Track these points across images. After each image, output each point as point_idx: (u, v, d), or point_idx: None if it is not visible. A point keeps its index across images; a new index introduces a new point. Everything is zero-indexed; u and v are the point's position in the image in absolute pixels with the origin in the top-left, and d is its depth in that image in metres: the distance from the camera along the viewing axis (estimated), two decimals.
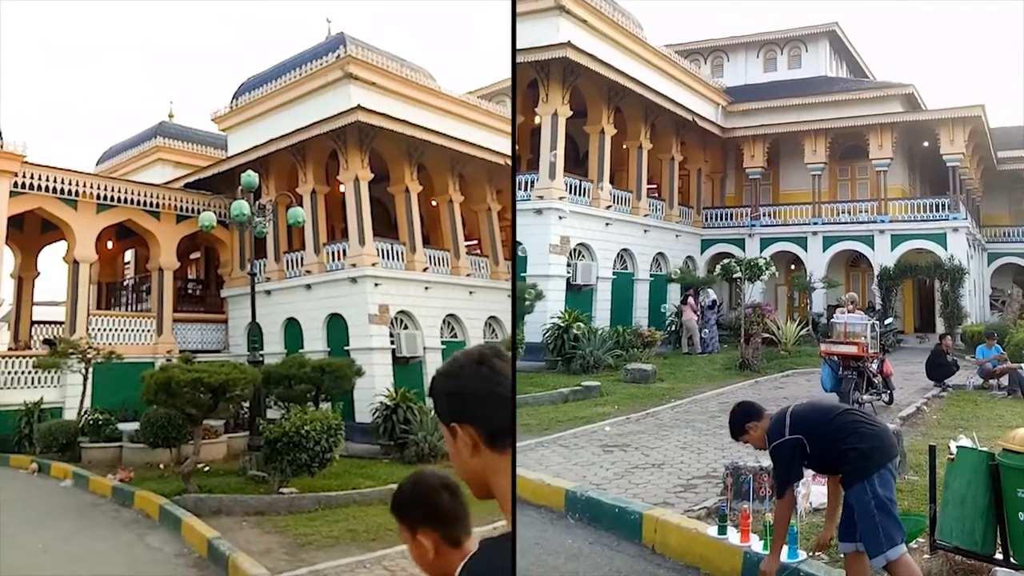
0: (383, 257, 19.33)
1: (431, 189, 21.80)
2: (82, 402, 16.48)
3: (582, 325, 18.36)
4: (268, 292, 20.33)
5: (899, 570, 4.56)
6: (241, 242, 21.61)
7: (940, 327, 23.73)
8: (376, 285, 18.75)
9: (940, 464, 6.02)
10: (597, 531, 7.12)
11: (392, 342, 18.84)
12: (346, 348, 18.50)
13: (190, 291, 24.78)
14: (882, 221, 25.68)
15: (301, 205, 18.40)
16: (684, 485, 8.10)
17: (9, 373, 18.07)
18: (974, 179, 28.87)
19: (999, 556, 5.50)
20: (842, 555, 4.98)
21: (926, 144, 27.40)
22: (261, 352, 14.76)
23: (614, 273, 22.79)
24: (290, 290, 20.50)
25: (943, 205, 25.47)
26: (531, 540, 6.89)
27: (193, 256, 25.82)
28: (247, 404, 14.36)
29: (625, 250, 23.53)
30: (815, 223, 26.54)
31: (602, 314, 21.75)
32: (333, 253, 19.80)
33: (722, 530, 6.22)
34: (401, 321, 19.47)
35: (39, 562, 8.88)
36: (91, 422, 15.77)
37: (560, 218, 20.65)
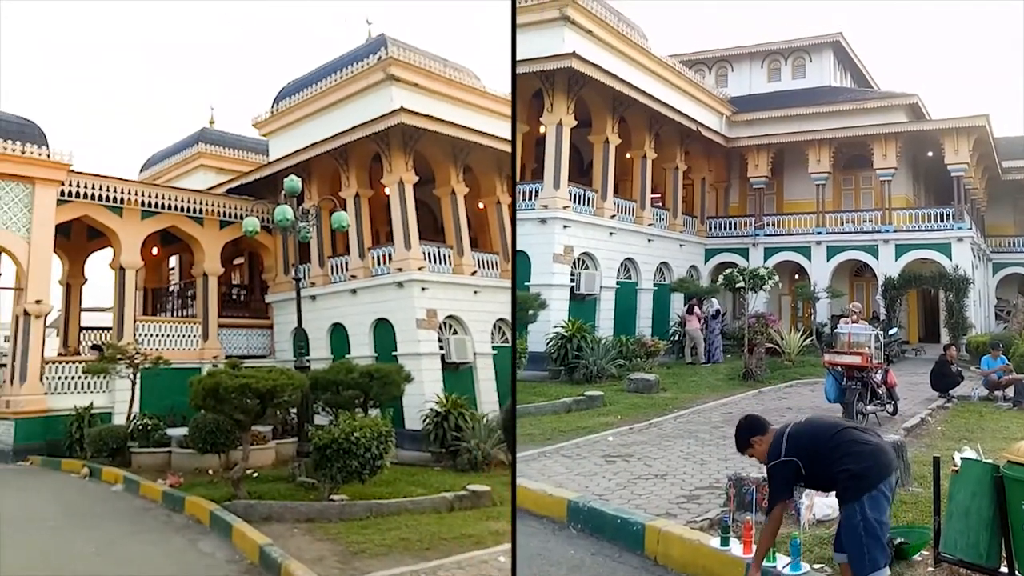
0: (430, 261, 19.04)
1: (478, 191, 21.51)
2: (131, 407, 16.61)
3: (586, 335, 18.34)
4: (313, 297, 20.13)
5: None
6: (285, 247, 21.61)
7: (945, 337, 23.67)
8: (423, 289, 18.43)
9: (944, 476, 5.99)
10: (599, 542, 7.10)
11: (441, 347, 18.49)
12: (394, 354, 18.13)
13: (234, 296, 24.83)
14: (886, 231, 25.65)
15: (345, 209, 18.17)
16: (687, 496, 8.07)
17: (59, 378, 18.28)
18: (979, 189, 28.83)
19: (1004, 569, 5.47)
20: (837, 564, 5.15)
21: (930, 154, 27.40)
22: (307, 358, 14.61)
23: (618, 283, 22.77)
24: (335, 295, 20.24)
25: (948, 215, 25.44)
26: (533, 550, 6.87)
27: (237, 261, 25.96)
28: (294, 410, 14.26)
29: (629, 259, 23.52)
30: (819, 233, 26.52)
31: (605, 324, 21.73)
32: (378, 257, 19.49)
33: (725, 541, 6.20)
34: (450, 326, 19.16)
35: (93, 565, 8.85)
36: (140, 427, 15.81)
37: (564, 227, 20.65)
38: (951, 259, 24.72)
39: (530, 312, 17.72)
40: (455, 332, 19.20)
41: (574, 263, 21.09)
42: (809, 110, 28.13)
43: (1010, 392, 14.95)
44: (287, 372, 12.20)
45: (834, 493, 7.33)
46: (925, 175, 30.34)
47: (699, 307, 22.16)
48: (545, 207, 20.56)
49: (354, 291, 19.68)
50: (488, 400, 18.66)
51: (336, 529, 9.61)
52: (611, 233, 22.47)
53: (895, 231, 25.64)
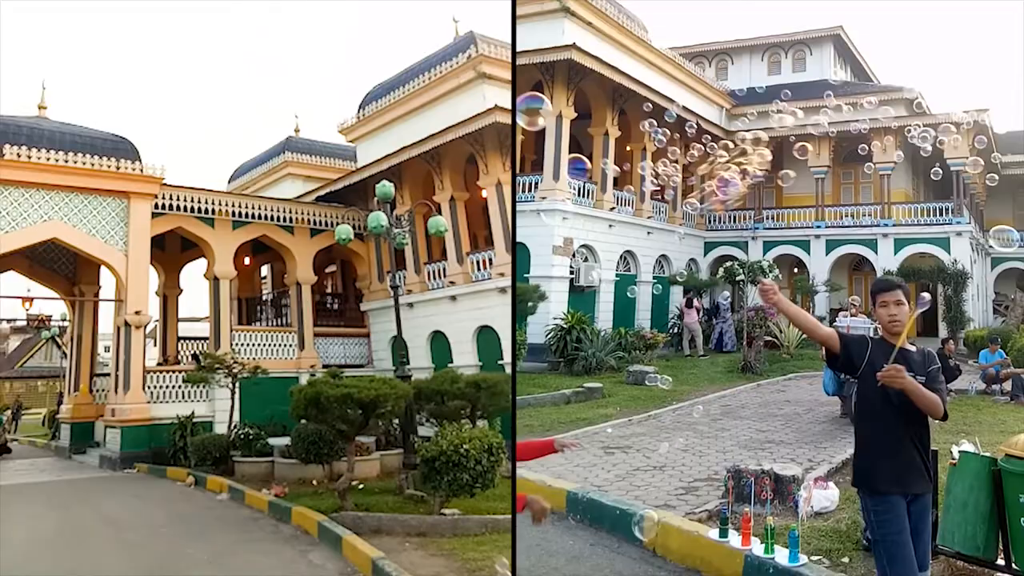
0: None
1: None
2: (231, 416, 16.57)
3: (585, 327, 18.37)
4: (411, 305, 19.58)
5: None
6: (379, 254, 21.25)
7: (943, 332, 23.73)
8: None
9: (942, 469, 6.01)
10: (598, 533, 7.13)
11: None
12: (500, 363, 17.20)
13: (328, 305, 24.68)
14: (885, 225, 25.69)
15: (440, 213, 17.77)
16: (685, 488, 8.10)
17: (161, 387, 18.46)
18: (978, 184, 28.85)
19: (1001, 561, 5.51)
20: (860, 569, 4.76)
21: (930, 148, 27.37)
22: (408, 367, 14.30)
23: (617, 275, 22.80)
24: (434, 302, 19.58)
25: (947, 209, 25.47)
26: (532, 541, 6.90)
27: (329, 270, 25.79)
28: (397, 421, 14.02)
29: (628, 252, 23.54)
30: (818, 226, 26.55)
31: (605, 316, 21.76)
32: (478, 262, 18.66)
33: (723, 533, 6.22)
34: None
35: (205, 572, 8.80)
36: (242, 436, 15.66)
37: (563, 219, 20.65)
38: (950, 253, 24.79)
39: (529, 304, 17.73)
40: None
41: (573, 255, 21.10)
42: (809, 104, 28.07)
43: (1007, 386, 15.03)
44: (390, 382, 11.86)
45: (833, 486, 7.41)
46: (924, 169, 30.33)
47: (699, 300, 22.22)
48: (544, 199, 20.56)
49: (454, 297, 18.96)
50: None
51: (450, 544, 9.17)
52: (610, 225, 22.48)
53: (894, 225, 25.69)
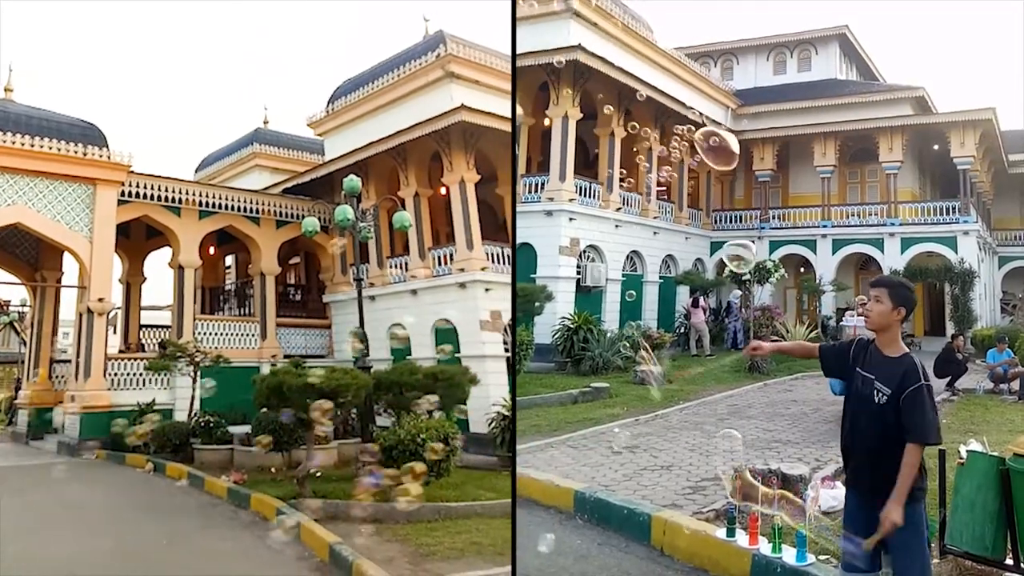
0: (493, 261, 18.81)
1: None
2: (192, 404, 16.76)
3: (592, 327, 18.37)
4: (372, 298, 19.69)
5: None
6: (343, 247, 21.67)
7: (950, 331, 23.69)
8: (487, 290, 18.15)
9: (950, 468, 6.02)
10: (606, 532, 7.14)
11: (506, 350, 18.09)
12: (457, 355, 17.65)
13: (291, 296, 24.95)
14: (892, 224, 25.64)
15: (404, 209, 17.92)
16: (693, 487, 8.11)
17: (122, 375, 18.56)
18: (985, 182, 28.80)
19: (1009, 561, 5.51)
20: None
21: (936, 147, 27.36)
22: (368, 358, 14.50)
23: (623, 275, 22.80)
24: (395, 295, 19.99)
25: (953, 208, 25.42)
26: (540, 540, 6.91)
27: (293, 261, 25.99)
28: (356, 410, 14.23)
29: (635, 252, 23.55)
30: (825, 226, 26.52)
31: (611, 316, 21.77)
32: (439, 258, 19.23)
33: (731, 532, 6.24)
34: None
35: (165, 555, 8.98)
36: (202, 424, 15.86)
37: (570, 220, 20.67)
38: (957, 252, 24.72)
39: (536, 304, 17.74)
40: None
41: (580, 255, 21.12)
42: (815, 103, 28.09)
43: (1015, 385, 15.00)
44: (351, 372, 12.11)
45: (842, 484, 7.40)
46: (931, 168, 30.29)
47: (705, 299, 22.23)
48: (551, 199, 20.59)
49: (414, 291, 19.43)
50: None
51: (404, 531, 9.48)
52: (617, 225, 22.49)
53: (901, 224, 25.64)
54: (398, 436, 10.77)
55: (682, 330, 22.94)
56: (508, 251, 19.31)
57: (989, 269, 29.44)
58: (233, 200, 20.99)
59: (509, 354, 17.97)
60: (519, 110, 17.18)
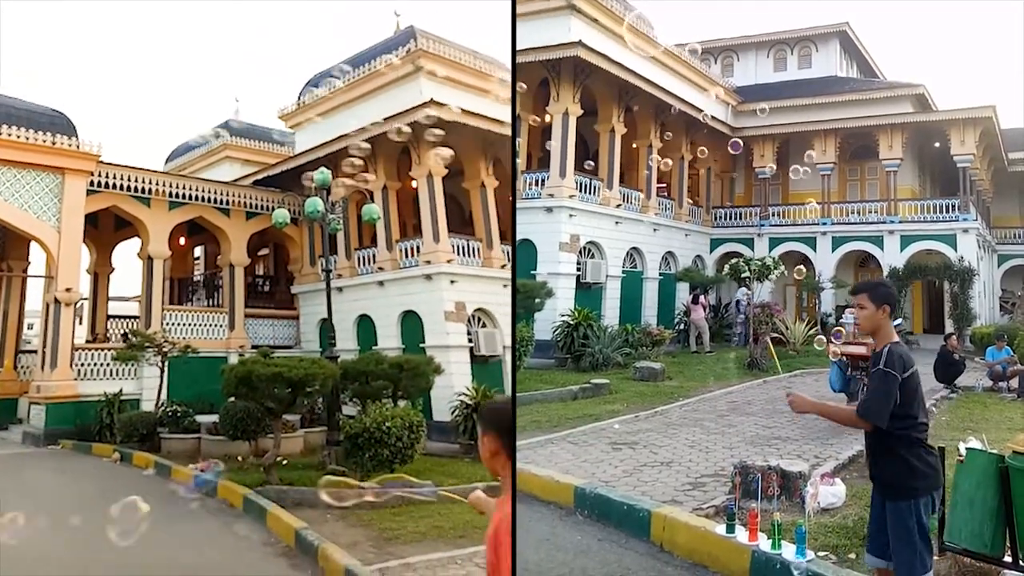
0: (459, 254, 19.09)
1: (507, 184, 21.30)
2: (159, 394, 16.84)
3: (592, 324, 18.40)
4: (340, 289, 19.98)
5: None
6: (311, 239, 21.71)
7: (949, 328, 23.70)
8: (452, 282, 18.48)
9: (949, 466, 6.04)
10: (606, 528, 7.17)
11: (470, 340, 18.54)
12: (422, 345, 18.15)
13: (260, 287, 25.03)
14: (891, 222, 25.65)
15: (372, 201, 18.25)
16: (692, 483, 8.14)
17: (89, 365, 18.55)
18: (984, 180, 28.79)
19: (1008, 558, 5.53)
20: (870, 569, 4.71)
21: (937, 145, 27.35)
22: (336, 348, 14.68)
23: (623, 271, 22.82)
24: (362, 287, 20.30)
25: (953, 206, 25.42)
26: (541, 536, 6.94)
27: (262, 253, 26.10)
28: (322, 399, 14.43)
29: (635, 249, 23.57)
30: (824, 223, 26.51)
31: (611, 312, 21.80)
32: (406, 250, 19.54)
33: (730, 529, 6.26)
34: (479, 319, 19.21)
35: (130, 543, 8.98)
36: (170, 413, 16.05)
37: (570, 216, 20.69)
38: (956, 250, 24.72)
39: (536, 300, 17.78)
40: (484, 325, 19.25)
41: (580, 252, 21.14)
42: (815, 100, 28.07)
43: (1014, 383, 15.01)
44: (318, 362, 12.35)
45: (840, 483, 7.44)
46: (931, 166, 30.28)
47: (705, 296, 22.25)
48: (551, 196, 20.61)
49: (382, 283, 19.73)
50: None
51: (369, 516, 9.71)
52: (617, 222, 22.51)
53: (900, 222, 25.63)
54: (363, 424, 10.95)
55: (682, 327, 22.97)
56: (473, 243, 19.70)
57: (988, 267, 29.44)
58: (203, 191, 21.02)
59: (471, 344, 18.55)
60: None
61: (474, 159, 20.06)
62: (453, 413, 15.78)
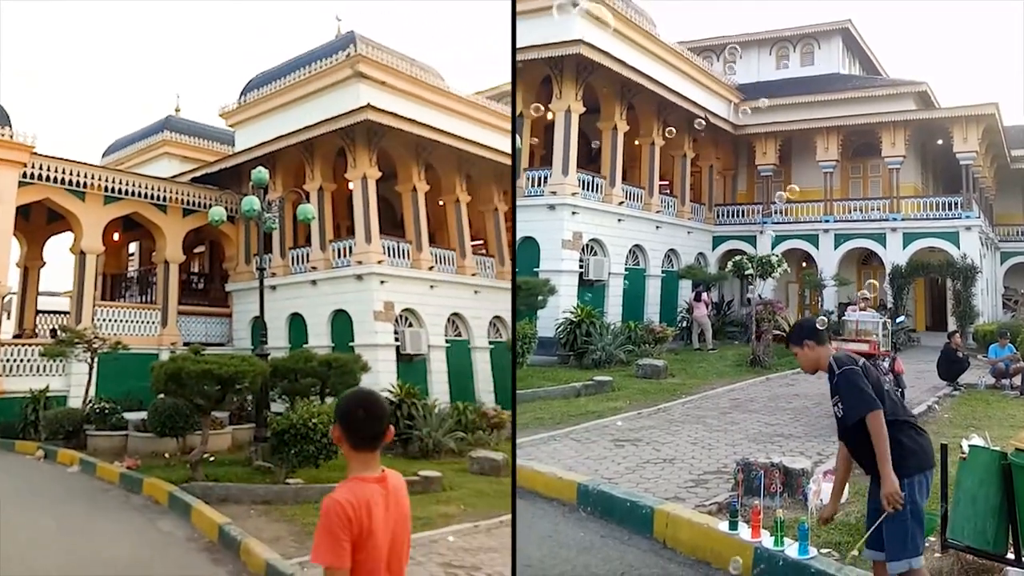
0: (389, 255, 19.46)
1: (438, 188, 21.90)
2: (87, 391, 16.65)
3: (595, 321, 18.42)
4: (273, 287, 20.14)
5: None
6: (247, 237, 21.83)
7: (952, 326, 23.67)
8: (382, 283, 18.90)
9: (952, 463, 6.05)
10: (609, 525, 7.19)
11: (397, 339, 18.96)
12: (351, 344, 18.51)
13: (194, 285, 24.95)
14: (894, 219, 25.61)
15: (308, 202, 18.58)
16: (695, 480, 8.15)
17: (15, 360, 18.15)
18: (987, 177, 28.75)
19: (1011, 556, 5.54)
20: (869, 562, 4.81)
21: (939, 142, 27.30)
22: (267, 346, 14.84)
23: (626, 269, 22.83)
24: (296, 286, 20.56)
25: (956, 203, 25.38)
26: (544, 532, 6.96)
27: (197, 250, 26.01)
28: (251, 396, 14.45)
29: (637, 246, 23.56)
30: (827, 220, 26.48)
31: (614, 309, 21.81)
32: (339, 250, 19.87)
33: (733, 525, 6.28)
34: (406, 319, 19.62)
35: (55, 539, 9.09)
36: (97, 411, 15.89)
37: (573, 214, 20.70)
38: (959, 248, 24.68)
39: (539, 297, 17.81)
40: (411, 325, 19.68)
41: (583, 249, 21.15)
42: (818, 98, 28.01)
43: (1017, 380, 15.01)
44: (248, 359, 12.51)
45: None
46: (934, 163, 30.24)
47: (707, 293, 22.26)
48: (554, 193, 20.62)
49: (314, 282, 20.07)
50: (440, 391, 19.06)
51: (292, 511, 9.98)
52: (619, 220, 22.51)
53: (903, 219, 25.60)
54: (291, 420, 11.12)
55: (684, 324, 22.97)
56: (405, 245, 20.07)
57: (991, 264, 29.42)
58: (140, 187, 20.80)
59: (398, 343, 18.97)
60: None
61: (407, 163, 20.42)
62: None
